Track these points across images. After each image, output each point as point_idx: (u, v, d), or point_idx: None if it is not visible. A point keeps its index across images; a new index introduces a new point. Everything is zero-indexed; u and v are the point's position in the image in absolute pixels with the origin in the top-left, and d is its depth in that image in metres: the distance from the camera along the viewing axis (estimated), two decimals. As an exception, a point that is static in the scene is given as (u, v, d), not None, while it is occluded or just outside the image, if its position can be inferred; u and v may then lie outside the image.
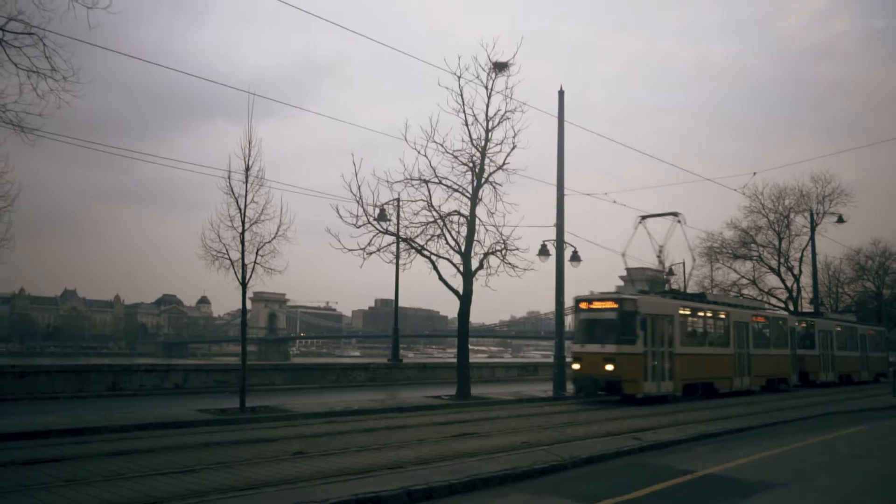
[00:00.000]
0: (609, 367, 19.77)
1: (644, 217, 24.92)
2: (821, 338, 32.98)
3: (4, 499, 7.12)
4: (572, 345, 21.99)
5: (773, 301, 48.83)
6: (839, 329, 35.61)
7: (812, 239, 45.09)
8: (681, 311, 22.50)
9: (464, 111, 20.91)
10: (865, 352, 38.16)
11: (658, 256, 25.15)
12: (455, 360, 22.27)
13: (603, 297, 21.45)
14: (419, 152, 20.58)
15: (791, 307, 47.41)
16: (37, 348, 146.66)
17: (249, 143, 15.56)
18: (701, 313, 24.09)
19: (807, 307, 46.51)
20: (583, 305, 21.40)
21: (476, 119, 21.01)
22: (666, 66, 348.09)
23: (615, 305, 20.46)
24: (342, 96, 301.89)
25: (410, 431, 13.17)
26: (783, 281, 47.17)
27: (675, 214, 24.32)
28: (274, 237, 15.69)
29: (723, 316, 24.92)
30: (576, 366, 20.96)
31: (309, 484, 7.88)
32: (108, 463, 9.22)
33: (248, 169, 15.50)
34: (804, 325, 33.14)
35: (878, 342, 41.59)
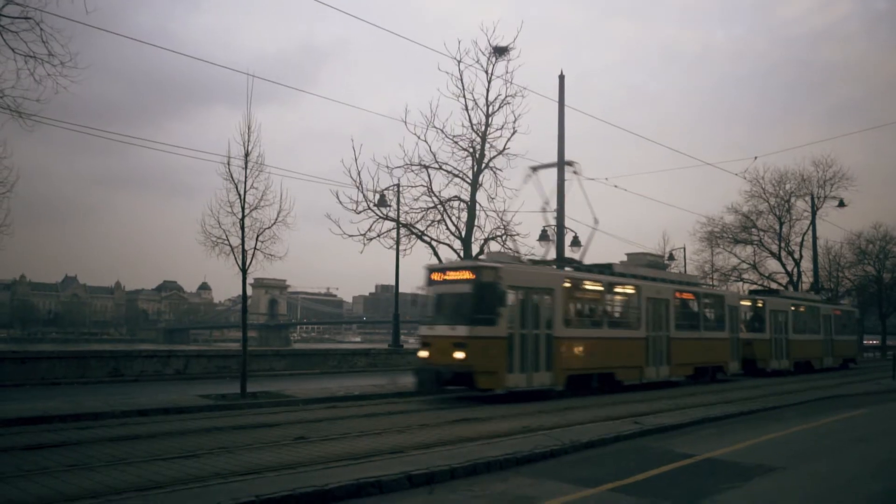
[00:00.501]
0: (458, 355, 15.50)
1: (535, 168, 21.89)
2: (772, 319, 28.87)
3: (7, 484, 7.14)
4: (421, 327, 17.73)
5: (774, 286, 48.86)
6: (796, 309, 31.55)
7: (813, 223, 45.07)
8: (565, 284, 18.08)
9: (464, 96, 20.96)
10: (830, 335, 33.90)
11: (543, 210, 21.52)
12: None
13: (457, 266, 17.50)
14: (419, 137, 20.64)
15: (791, 291, 47.44)
16: (38, 334, 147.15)
17: (249, 128, 15.51)
18: (596, 287, 19.49)
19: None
20: (435, 276, 17.11)
21: (476, 104, 21.06)
22: (667, 52, 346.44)
23: (470, 276, 16.23)
24: (343, 82, 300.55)
25: (411, 416, 13.21)
26: (783, 265, 47.22)
27: (569, 164, 21.26)
28: (274, 223, 15.68)
29: (630, 290, 20.53)
30: (423, 353, 16.61)
31: (310, 469, 7.90)
32: (111, 448, 9.25)
33: (247, 154, 15.45)
34: (751, 303, 29.18)
35: (846, 323, 37.43)
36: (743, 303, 28.57)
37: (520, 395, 16.14)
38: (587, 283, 19.36)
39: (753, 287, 50.11)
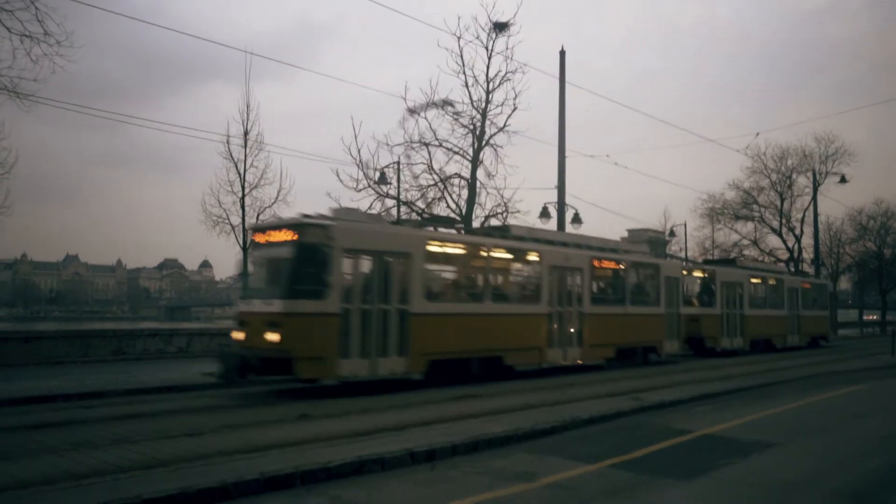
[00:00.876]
0: (272, 337, 12.20)
1: (412, 112, 20.38)
2: (724, 292, 25.72)
3: (13, 462, 7.22)
4: (238, 302, 14.25)
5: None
6: (755, 281, 28.35)
7: (814, 199, 44.98)
8: (429, 248, 14.50)
9: (464, 72, 20.81)
10: (795, 310, 30.62)
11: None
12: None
13: (276, 224, 13.80)
14: (419, 114, 20.48)
15: (792, 268, 47.47)
16: (40, 313, 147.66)
17: (248, 106, 15.53)
18: (475, 252, 15.81)
19: (807, 268, 46.52)
20: (257, 237, 13.96)
21: (476, 80, 20.92)
22: (671, 29, 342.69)
23: (291, 236, 12.82)
24: (342, 59, 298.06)
25: (413, 395, 13.27)
26: (784, 241, 47.24)
27: (449, 103, 19.37)
28: (274, 202, 15.75)
29: (527, 257, 17.11)
30: (238, 334, 13.24)
31: (313, 446, 7.98)
32: (115, 427, 9.34)
33: (246, 133, 15.56)
34: (701, 274, 26.11)
35: (817, 297, 33.98)
36: (695, 273, 26.00)
37: (365, 387, 13.19)
38: (460, 246, 15.66)
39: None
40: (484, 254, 15.86)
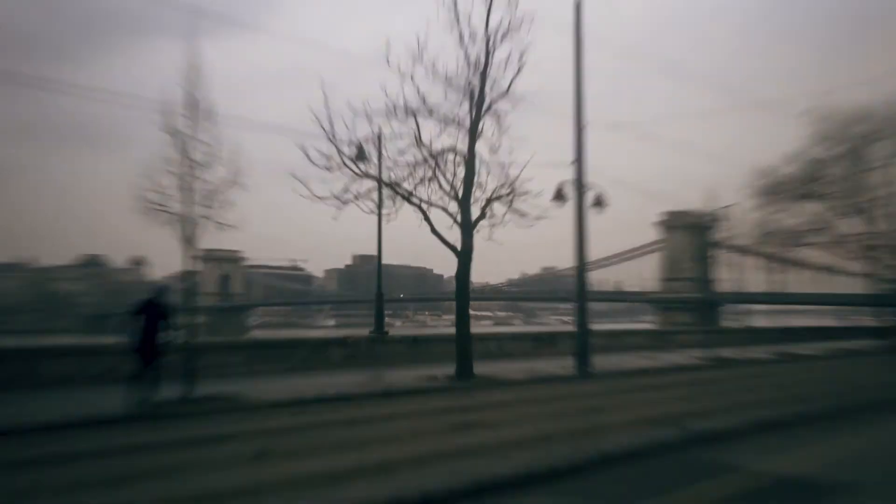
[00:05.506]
0: None
1: None
2: None
3: None
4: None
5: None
6: None
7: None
8: None
9: (458, 26, 20.46)
10: None
11: None
12: (453, 331, 22.26)
13: None
14: (405, 77, 20.16)
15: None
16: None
17: (194, 67, 15.28)
18: None
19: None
20: None
21: (474, 36, 20.59)
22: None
23: None
24: (312, 8, 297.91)
25: (400, 422, 13.24)
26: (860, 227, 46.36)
27: None
28: (226, 185, 15.57)
29: None
30: None
31: (275, 494, 7.93)
32: (14, 476, 9.09)
33: (192, 101, 15.26)
34: None
35: None
36: None
37: None
38: None
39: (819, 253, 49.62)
40: None
